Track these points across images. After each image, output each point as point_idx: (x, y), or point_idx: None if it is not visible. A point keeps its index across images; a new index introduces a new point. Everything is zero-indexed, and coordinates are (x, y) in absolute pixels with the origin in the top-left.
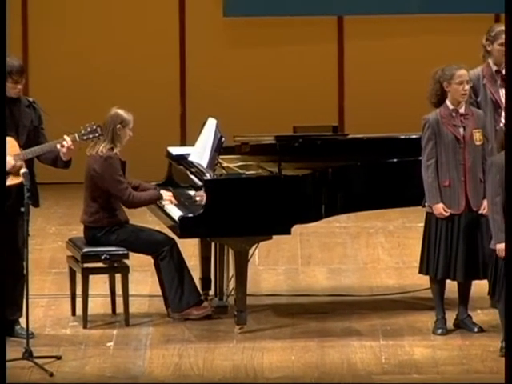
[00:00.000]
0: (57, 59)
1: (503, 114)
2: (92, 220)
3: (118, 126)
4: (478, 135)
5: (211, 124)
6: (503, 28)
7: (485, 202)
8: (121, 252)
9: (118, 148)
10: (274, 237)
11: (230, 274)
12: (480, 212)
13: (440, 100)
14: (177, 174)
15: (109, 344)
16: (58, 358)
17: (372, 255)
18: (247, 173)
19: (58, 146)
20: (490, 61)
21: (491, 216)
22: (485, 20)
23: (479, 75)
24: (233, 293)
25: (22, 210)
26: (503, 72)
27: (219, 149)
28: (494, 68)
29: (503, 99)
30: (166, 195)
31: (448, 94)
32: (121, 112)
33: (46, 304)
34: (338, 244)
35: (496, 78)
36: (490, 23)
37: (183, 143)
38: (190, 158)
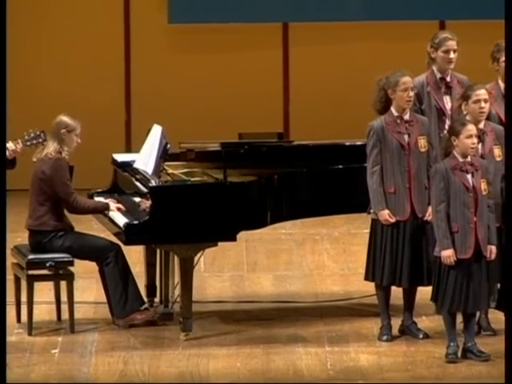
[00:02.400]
0: None
1: (447, 121)
2: (38, 223)
3: (63, 130)
4: (422, 142)
5: (156, 131)
6: (447, 35)
7: (429, 209)
8: (66, 259)
9: (65, 152)
10: (220, 243)
11: (176, 281)
12: (425, 219)
13: (385, 107)
14: (122, 180)
15: (54, 351)
16: None
17: (317, 262)
18: (192, 179)
19: None
20: (434, 68)
21: (435, 223)
22: (429, 27)
23: (423, 82)
24: (178, 300)
25: None
26: (447, 79)
27: (164, 155)
28: (438, 75)
29: (447, 106)
30: (113, 206)
31: (393, 101)
32: (65, 118)
33: None
34: (283, 250)
35: (440, 85)
36: (434, 30)
37: (128, 150)
38: (135, 165)
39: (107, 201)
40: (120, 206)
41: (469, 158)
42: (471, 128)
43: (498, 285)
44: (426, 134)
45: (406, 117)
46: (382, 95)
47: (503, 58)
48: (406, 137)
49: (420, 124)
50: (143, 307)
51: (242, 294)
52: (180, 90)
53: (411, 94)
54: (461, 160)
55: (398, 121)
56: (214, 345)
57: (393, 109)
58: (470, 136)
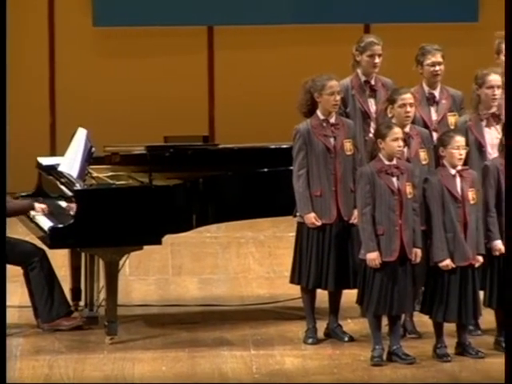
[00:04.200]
0: None
1: (372, 124)
2: None
3: None
4: (348, 145)
5: (81, 134)
6: (373, 39)
7: (355, 212)
8: None
9: None
10: (145, 247)
11: (101, 285)
12: (351, 222)
13: (311, 110)
14: (47, 184)
15: None
16: None
17: (243, 265)
18: (117, 183)
19: None
20: (359, 71)
21: (361, 226)
22: (355, 30)
23: (348, 85)
24: (103, 303)
25: None
26: (372, 82)
27: (89, 159)
28: (363, 78)
29: (372, 109)
30: (38, 206)
31: (319, 104)
32: None
33: None
34: (208, 254)
35: (365, 89)
36: (359, 33)
37: (53, 153)
38: (59, 169)
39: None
40: (44, 206)
41: (394, 161)
42: (397, 131)
43: (423, 288)
44: (352, 137)
45: (332, 120)
46: (308, 98)
47: (427, 62)
48: (331, 140)
49: (346, 127)
50: (69, 312)
51: (167, 297)
52: (105, 93)
53: (337, 97)
54: (386, 163)
55: (324, 124)
56: (139, 348)
57: (319, 112)
58: (396, 139)
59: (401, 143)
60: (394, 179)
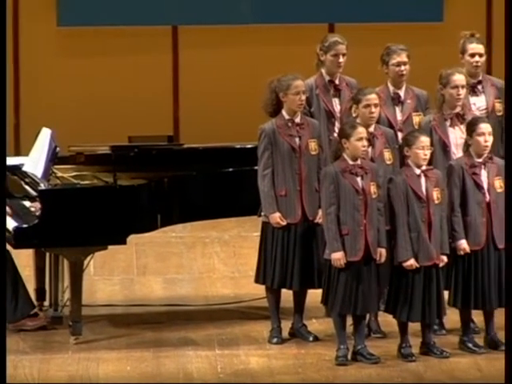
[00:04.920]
0: None
1: (337, 123)
2: None
3: None
4: (313, 145)
5: (45, 134)
6: (337, 39)
7: (320, 212)
8: None
9: None
10: (110, 247)
11: (65, 285)
12: (316, 221)
13: (276, 110)
14: (11, 184)
15: None
16: None
17: (208, 265)
18: (82, 183)
19: None
20: (323, 70)
21: (325, 226)
22: (319, 29)
23: (312, 85)
24: (68, 303)
25: None
26: (336, 82)
27: (54, 159)
28: (327, 78)
29: (336, 109)
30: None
31: (284, 104)
32: None
33: None
34: (173, 254)
35: (329, 88)
36: (323, 33)
37: (17, 153)
38: (24, 169)
39: None
40: (7, 209)
41: (359, 161)
42: (361, 131)
43: (387, 287)
44: (317, 137)
45: (297, 120)
46: (274, 98)
47: (392, 61)
48: (297, 140)
49: (311, 127)
50: (33, 312)
51: (132, 297)
52: (69, 93)
53: (303, 97)
54: (351, 163)
55: (289, 124)
56: (103, 348)
57: (284, 112)
58: (361, 139)
59: (365, 143)
60: (359, 179)
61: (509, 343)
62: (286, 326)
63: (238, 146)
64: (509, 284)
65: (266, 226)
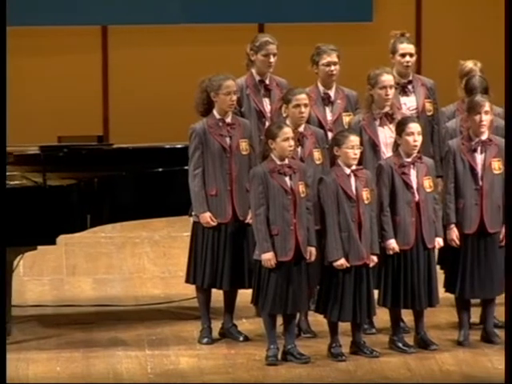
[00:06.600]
0: None
1: (267, 123)
2: None
3: None
4: (244, 145)
5: None
6: (268, 39)
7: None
8: None
9: None
10: (39, 247)
11: None
12: (246, 221)
13: (207, 109)
14: None
15: None
16: None
17: (138, 265)
18: (11, 183)
19: None
20: (254, 70)
21: (255, 226)
22: (249, 29)
23: (243, 85)
24: None
25: None
26: (266, 82)
27: None
28: (258, 78)
29: (267, 109)
30: None
31: (215, 103)
32: None
33: None
34: (103, 254)
35: (259, 88)
36: (253, 33)
37: None
38: None
39: None
40: None
41: (286, 161)
42: (287, 131)
43: (318, 287)
44: (248, 137)
45: (228, 120)
46: (205, 97)
47: (323, 61)
48: (227, 140)
49: (242, 127)
50: None
51: (61, 297)
52: None
53: (234, 97)
54: (279, 163)
55: (220, 124)
56: (33, 349)
57: (215, 111)
58: (287, 139)
59: (292, 143)
60: (287, 179)
61: (509, 343)
62: (217, 325)
63: (168, 146)
64: (508, 282)
65: (196, 225)
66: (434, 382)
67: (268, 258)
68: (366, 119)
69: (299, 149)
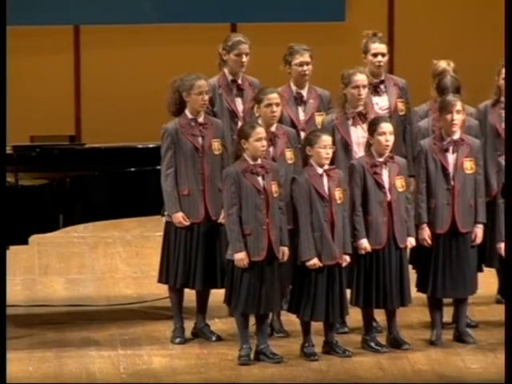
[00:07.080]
0: None
1: (240, 123)
2: None
3: None
4: (216, 145)
5: None
6: (240, 38)
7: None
8: None
9: None
10: (12, 247)
11: None
12: (219, 221)
13: (179, 109)
14: None
15: None
16: None
17: (110, 265)
18: None
19: None
20: (226, 70)
21: (228, 226)
22: (221, 29)
23: (215, 85)
24: None
25: None
26: (239, 81)
27: None
28: (230, 77)
29: (239, 108)
30: None
31: (187, 103)
32: None
33: None
34: (75, 254)
35: (232, 88)
36: (226, 33)
37: None
38: None
39: None
40: None
41: (259, 161)
42: (260, 131)
43: (290, 287)
44: (220, 137)
45: (201, 119)
46: (177, 97)
47: (295, 61)
48: (200, 139)
49: (214, 127)
50: None
51: (34, 297)
52: None
53: (206, 97)
54: (251, 163)
55: (193, 123)
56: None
57: (187, 111)
58: (260, 139)
59: (264, 143)
60: (260, 178)
61: (509, 343)
62: (189, 325)
63: (140, 146)
64: (508, 282)
65: (168, 225)
66: (407, 382)
67: (241, 257)
68: (339, 118)
69: (271, 148)
